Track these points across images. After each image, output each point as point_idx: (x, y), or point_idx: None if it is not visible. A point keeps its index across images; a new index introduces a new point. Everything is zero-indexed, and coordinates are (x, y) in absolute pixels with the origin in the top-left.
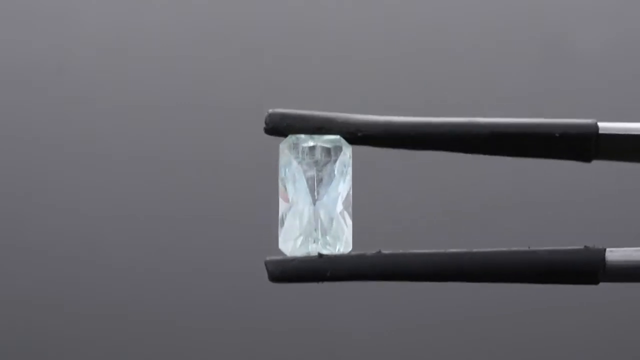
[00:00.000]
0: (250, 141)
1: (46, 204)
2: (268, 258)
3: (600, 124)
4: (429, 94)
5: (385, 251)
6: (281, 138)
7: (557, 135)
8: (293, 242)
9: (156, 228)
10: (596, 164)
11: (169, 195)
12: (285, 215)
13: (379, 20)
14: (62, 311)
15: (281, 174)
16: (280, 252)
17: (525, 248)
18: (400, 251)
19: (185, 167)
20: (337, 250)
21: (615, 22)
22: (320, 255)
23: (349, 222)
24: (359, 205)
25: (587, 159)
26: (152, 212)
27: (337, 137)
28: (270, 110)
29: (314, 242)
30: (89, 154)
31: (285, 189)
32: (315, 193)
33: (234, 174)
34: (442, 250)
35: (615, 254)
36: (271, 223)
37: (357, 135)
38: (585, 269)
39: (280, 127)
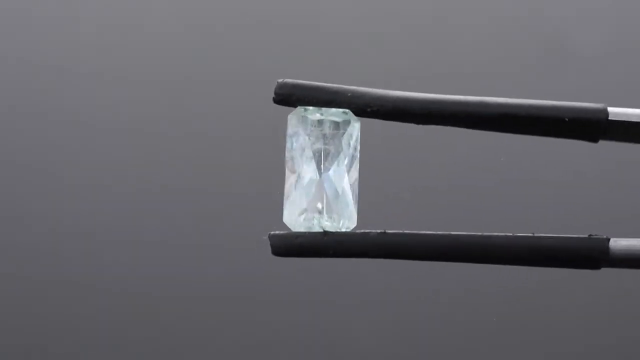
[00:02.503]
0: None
1: (46, 202)
2: (272, 232)
3: (610, 109)
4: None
5: (389, 231)
6: (289, 109)
7: (566, 119)
8: (297, 215)
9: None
10: (603, 147)
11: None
12: (291, 187)
13: (376, 20)
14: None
15: (288, 146)
16: (284, 225)
17: (530, 234)
18: (404, 231)
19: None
20: (341, 224)
21: (615, 22)
22: (325, 234)
23: (355, 196)
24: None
25: (594, 140)
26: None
27: (347, 110)
28: (280, 80)
29: (319, 214)
30: (90, 148)
31: (292, 160)
32: (322, 166)
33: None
34: (446, 233)
35: (618, 244)
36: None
37: (367, 111)
38: (588, 257)
39: (290, 98)
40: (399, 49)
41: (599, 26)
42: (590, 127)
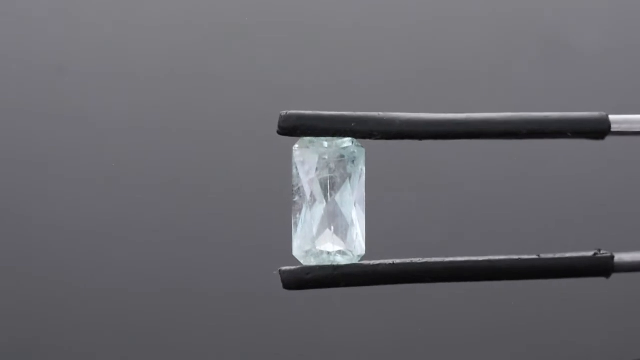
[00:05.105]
0: (260, 144)
1: (46, 203)
2: (282, 268)
3: (612, 118)
4: (428, 94)
5: (397, 261)
6: (294, 140)
7: (569, 134)
8: (307, 247)
9: (163, 234)
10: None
11: (177, 200)
12: (299, 218)
13: (376, 17)
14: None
15: (294, 176)
16: (293, 257)
17: (534, 256)
18: (412, 260)
19: (193, 170)
20: (350, 253)
21: (615, 22)
22: (335, 268)
23: (363, 223)
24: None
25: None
26: (158, 217)
27: (350, 139)
28: (284, 112)
29: (329, 245)
30: (89, 153)
31: (299, 191)
32: (329, 195)
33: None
34: (452, 260)
35: (623, 260)
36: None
37: (371, 137)
38: (595, 275)
39: (295, 129)
40: (396, 49)
41: (599, 23)
42: (592, 137)
